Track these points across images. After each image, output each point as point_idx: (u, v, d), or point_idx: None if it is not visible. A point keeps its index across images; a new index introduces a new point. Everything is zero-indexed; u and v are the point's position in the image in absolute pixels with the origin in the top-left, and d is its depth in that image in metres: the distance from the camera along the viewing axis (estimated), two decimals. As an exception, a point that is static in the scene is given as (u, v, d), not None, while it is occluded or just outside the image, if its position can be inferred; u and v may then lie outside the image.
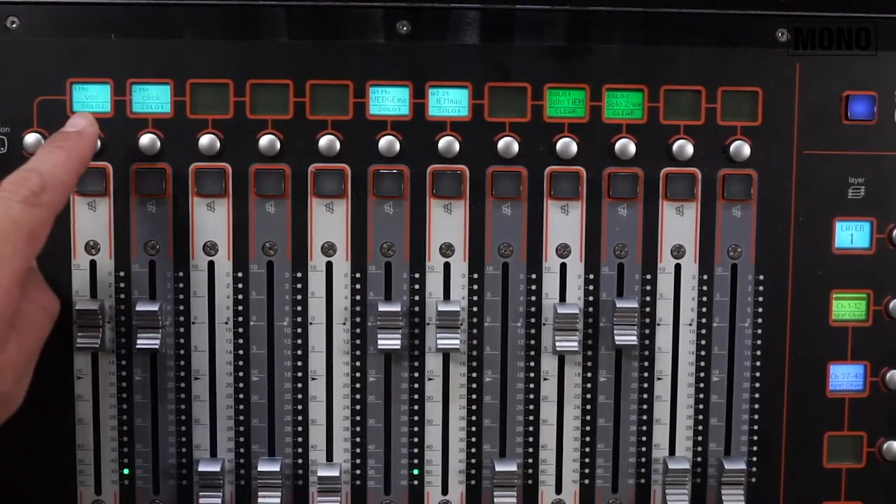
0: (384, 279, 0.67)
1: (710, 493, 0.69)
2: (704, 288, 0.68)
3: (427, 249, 0.67)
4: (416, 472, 0.68)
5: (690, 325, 0.68)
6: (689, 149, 0.66)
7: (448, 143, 0.65)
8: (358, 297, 0.67)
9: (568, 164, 0.66)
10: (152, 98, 0.65)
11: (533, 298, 0.67)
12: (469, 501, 0.69)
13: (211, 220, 0.66)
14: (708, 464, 0.69)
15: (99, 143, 0.64)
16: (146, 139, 0.64)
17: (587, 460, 0.69)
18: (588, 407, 0.68)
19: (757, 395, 0.69)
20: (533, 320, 0.67)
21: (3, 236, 0.51)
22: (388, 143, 0.65)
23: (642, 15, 0.66)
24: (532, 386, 0.68)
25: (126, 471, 0.67)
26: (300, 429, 0.68)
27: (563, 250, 0.67)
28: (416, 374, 0.67)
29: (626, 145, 0.66)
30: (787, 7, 0.66)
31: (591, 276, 0.67)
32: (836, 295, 0.68)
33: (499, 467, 0.67)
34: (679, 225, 0.67)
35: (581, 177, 0.66)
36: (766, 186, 0.67)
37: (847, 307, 0.68)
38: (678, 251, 0.67)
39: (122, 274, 0.66)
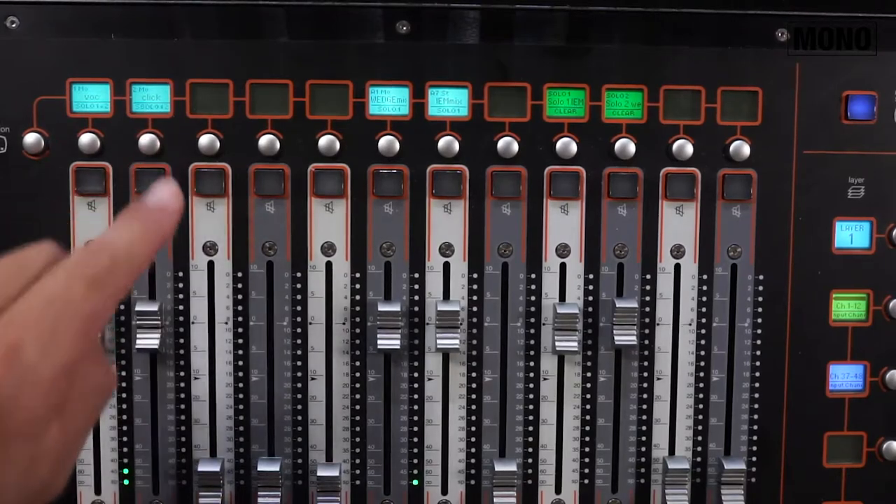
0: (384, 279, 0.67)
1: (709, 493, 0.69)
2: (704, 288, 0.68)
3: (427, 249, 0.67)
4: (415, 472, 0.68)
5: (690, 324, 0.68)
6: (689, 149, 0.66)
7: (448, 142, 0.65)
8: (357, 297, 0.67)
9: (568, 164, 0.66)
10: (152, 98, 0.65)
11: (533, 298, 0.67)
12: (469, 501, 0.69)
13: (211, 220, 0.66)
14: (708, 464, 0.69)
15: (98, 142, 0.64)
16: (146, 139, 0.64)
17: (587, 460, 0.69)
18: (588, 407, 0.68)
19: (757, 395, 0.69)
20: (533, 320, 0.67)
21: (58, 317, 0.45)
22: (387, 142, 0.65)
23: (642, 15, 0.66)
24: (532, 386, 0.68)
25: (126, 471, 0.67)
26: (300, 429, 0.68)
27: (562, 250, 0.67)
28: (416, 374, 0.67)
29: (626, 145, 0.66)
30: (787, 7, 0.66)
31: (591, 276, 0.67)
32: (836, 295, 0.68)
33: (498, 467, 0.67)
34: (679, 225, 0.67)
35: (581, 177, 0.66)
36: (766, 186, 0.67)
37: (847, 307, 0.68)
38: (678, 251, 0.67)
39: (121, 274, 0.66)
